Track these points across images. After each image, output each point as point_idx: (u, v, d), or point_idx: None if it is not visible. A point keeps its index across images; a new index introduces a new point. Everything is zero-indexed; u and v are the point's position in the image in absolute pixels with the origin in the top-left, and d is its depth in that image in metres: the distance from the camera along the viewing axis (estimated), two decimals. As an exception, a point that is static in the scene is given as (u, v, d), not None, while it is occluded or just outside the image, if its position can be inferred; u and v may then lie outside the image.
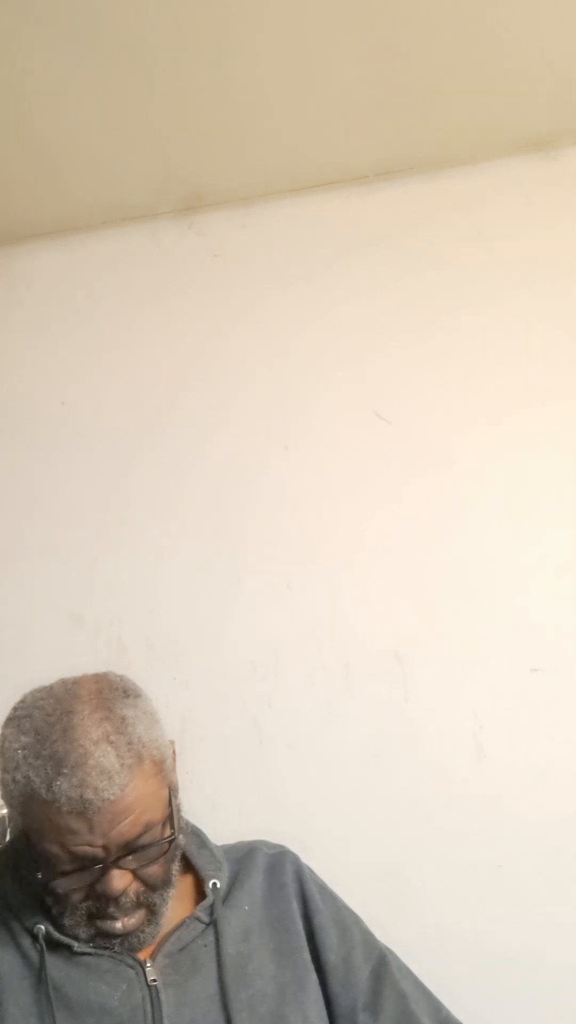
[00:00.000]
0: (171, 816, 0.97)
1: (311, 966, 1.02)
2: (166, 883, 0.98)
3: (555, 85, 1.44)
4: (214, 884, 1.04)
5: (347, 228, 1.61)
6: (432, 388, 1.53)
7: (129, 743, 0.93)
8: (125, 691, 0.99)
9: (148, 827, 0.93)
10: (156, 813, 0.95)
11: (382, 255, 1.59)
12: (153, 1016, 0.93)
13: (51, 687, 1.00)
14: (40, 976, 0.94)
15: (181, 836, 1.01)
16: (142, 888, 0.95)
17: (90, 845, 0.90)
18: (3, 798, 0.96)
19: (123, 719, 0.95)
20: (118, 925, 0.95)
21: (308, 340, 1.59)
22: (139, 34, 1.28)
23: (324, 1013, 1.00)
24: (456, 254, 1.57)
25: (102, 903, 0.94)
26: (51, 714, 0.94)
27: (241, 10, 1.26)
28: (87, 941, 0.96)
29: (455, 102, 1.46)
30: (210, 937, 1.00)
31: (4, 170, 1.54)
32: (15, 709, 0.99)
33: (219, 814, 1.25)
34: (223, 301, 1.63)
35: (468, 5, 1.28)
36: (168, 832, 0.96)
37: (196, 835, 1.10)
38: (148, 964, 0.97)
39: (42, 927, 0.96)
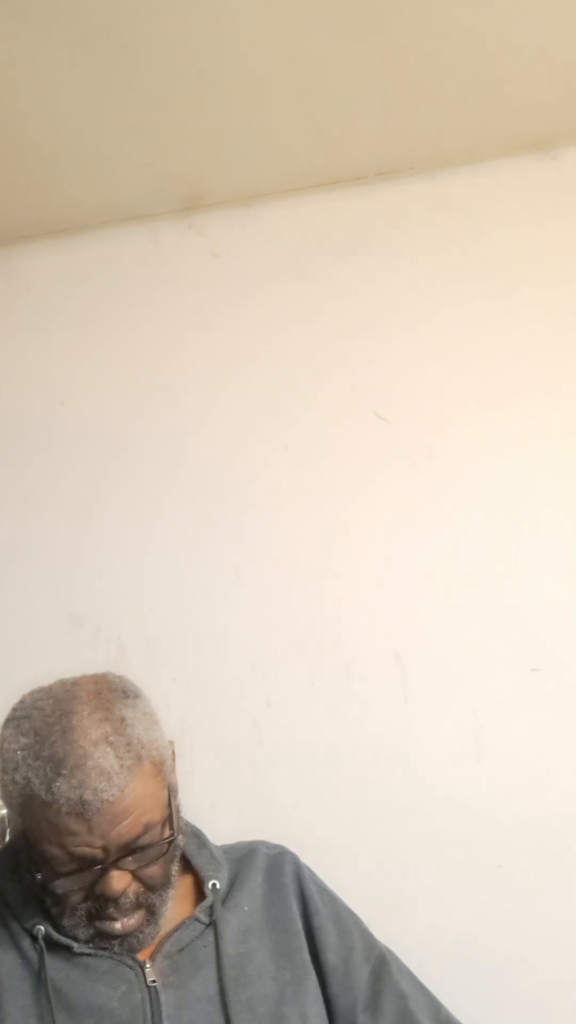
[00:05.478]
0: (170, 817, 0.97)
1: (311, 967, 1.02)
2: (165, 884, 0.98)
3: (555, 85, 1.44)
4: (213, 885, 1.04)
5: (347, 228, 1.61)
6: (432, 388, 1.53)
7: (128, 744, 0.93)
8: (124, 691, 0.99)
9: (147, 828, 0.93)
10: (155, 814, 0.95)
11: (382, 255, 1.59)
12: (152, 1017, 0.93)
13: (50, 688, 1.00)
14: (40, 977, 0.94)
15: (180, 837, 1.01)
16: (141, 889, 0.95)
17: (89, 846, 0.90)
18: (2, 799, 0.96)
19: (122, 720, 0.95)
20: (117, 926, 0.95)
21: (307, 340, 1.59)
22: (139, 34, 1.28)
23: (324, 1013, 1.00)
24: (456, 254, 1.57)
25: (101, 904, 0.94)
26: (50, 715, 0.94)
27: (241, 10, 1.26)
28: (86, 942, 0.96)
29: (455, 102, 1.45)
30: (209, 938, 1.00)
31: (4, 170, 1.53)
32: (14, 710, 0.99)
33: (219, 814, 1.25)
34: (223, 301, 1.63)
35: (468, 5, 1.27)
36: (167, 833, 0.96)
37: (196, 836, 1.10)
38: (147, 965, 0.97)
39: (41, 928, 0.96)
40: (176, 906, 1.01)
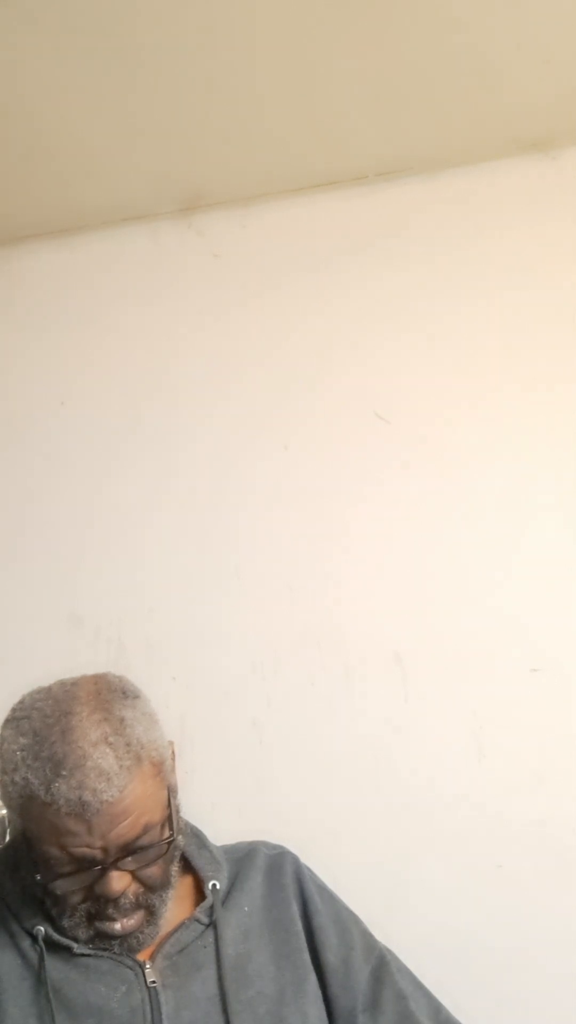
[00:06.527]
0: (170, 817, 0.97)
1: (311, 967, 1.02)
2: (165, 884, 0.98)
3: (555, 85, 1.44)
4: (214, 885, 1.04)
5: (347, 228, 1.61)
6: (432, 388, 1.53)
7: (128, 744, 0.93)
8: (124, 692, 0.99)
9: (147, 828, 0.93)
10: (155, 814, 0.95)
11: (382, 255, 1.59)
12: (152, 1017, 0.93)
13: (50, 688, 1.00)
14: (40, 977, 0.94)
15: (180, 837, 1.01)
16: (141, 889, 0.95)
17: (89, 847, 0.90)
18: (2, 799, 0.96)
19: (122, 720, 0.95)
20: (117, 926, 0.95)
21: (307, 339, 1.59)
22: (139, 34, 1.28)
23: (324, 1014, 1.00)
24: (456, 254, 1.57)
25: (101, 904, 0.94)
26: (50, 715, 0.94)
27: (241, 10, 1.26)
28: (86, 942, 0.96)
29: (455, 102, 1.45)
30: (209, 938, 1.00)
31: (4, 170, 1.53)
32: (14, 710, 0.98)
33: (219, 814, 1.25)
34: (223, 301, 1.63)
35: (468, 6, 1.27)
36: (167, 833, 0.96)
37: (196, 836, 1.10)
38: (147, 965, 0.97)
39: (41, 928, 0.96)
40: (176, 907, 1.01)
